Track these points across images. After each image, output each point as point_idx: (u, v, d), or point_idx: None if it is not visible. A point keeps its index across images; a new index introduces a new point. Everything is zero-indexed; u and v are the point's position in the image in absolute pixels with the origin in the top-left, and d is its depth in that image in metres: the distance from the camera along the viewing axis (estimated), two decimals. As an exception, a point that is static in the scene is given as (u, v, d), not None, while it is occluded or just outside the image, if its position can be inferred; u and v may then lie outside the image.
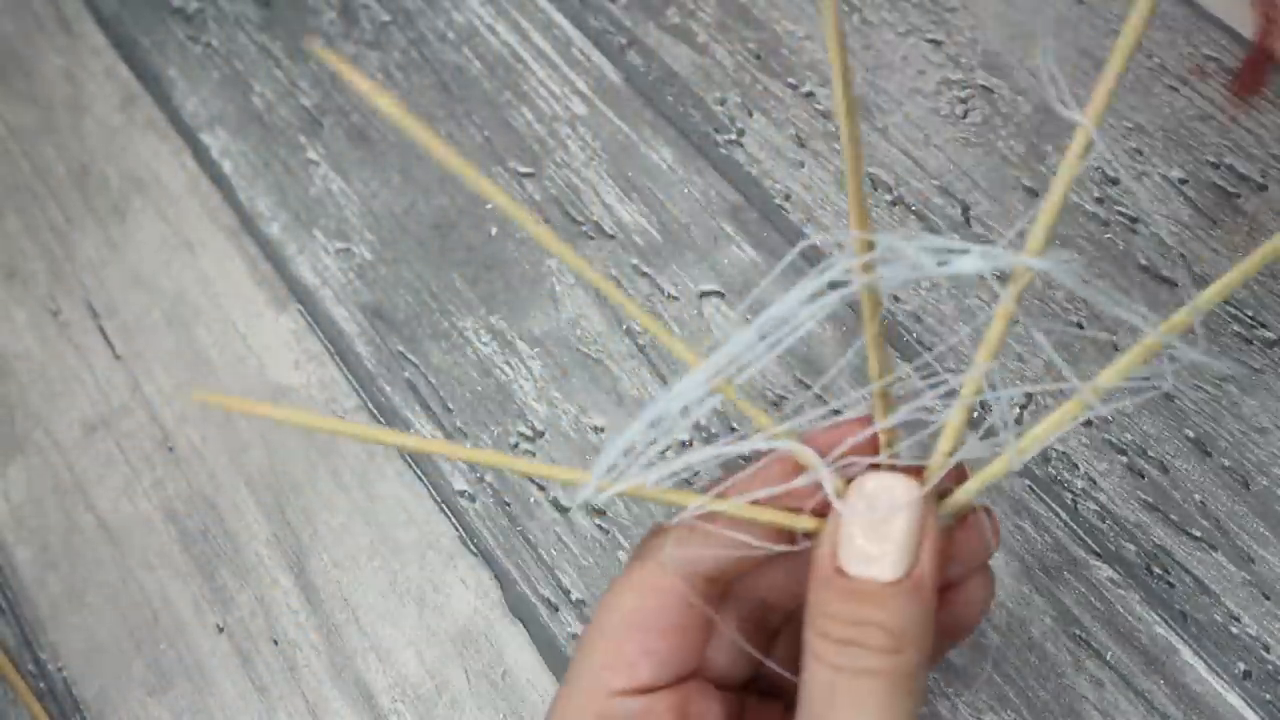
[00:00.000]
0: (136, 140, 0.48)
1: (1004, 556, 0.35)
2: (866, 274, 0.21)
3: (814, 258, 0.40)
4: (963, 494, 0.24)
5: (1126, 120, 0.40)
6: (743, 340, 0.22)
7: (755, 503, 0.24)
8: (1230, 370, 0.27)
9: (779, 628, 0.27)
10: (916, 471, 0.23)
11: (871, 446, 0.24)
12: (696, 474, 0.38)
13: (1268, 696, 0.33)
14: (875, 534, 0.22)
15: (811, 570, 0.23)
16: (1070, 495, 0.36)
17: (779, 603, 0.27)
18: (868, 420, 0.24)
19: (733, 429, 0.38)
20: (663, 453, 0.36)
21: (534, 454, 0.39)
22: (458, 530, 0.39)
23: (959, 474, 0.25)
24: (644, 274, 0.41)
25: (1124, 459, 0.36)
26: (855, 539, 0.22)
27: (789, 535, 0.23)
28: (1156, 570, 0.34)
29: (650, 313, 0.23)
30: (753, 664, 0.26)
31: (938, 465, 0.24)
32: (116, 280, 0.45)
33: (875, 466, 0.23)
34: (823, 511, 0.23)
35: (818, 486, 0.23)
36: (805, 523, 0.23)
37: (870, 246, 0.21)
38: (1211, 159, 0.39)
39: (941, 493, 0.24)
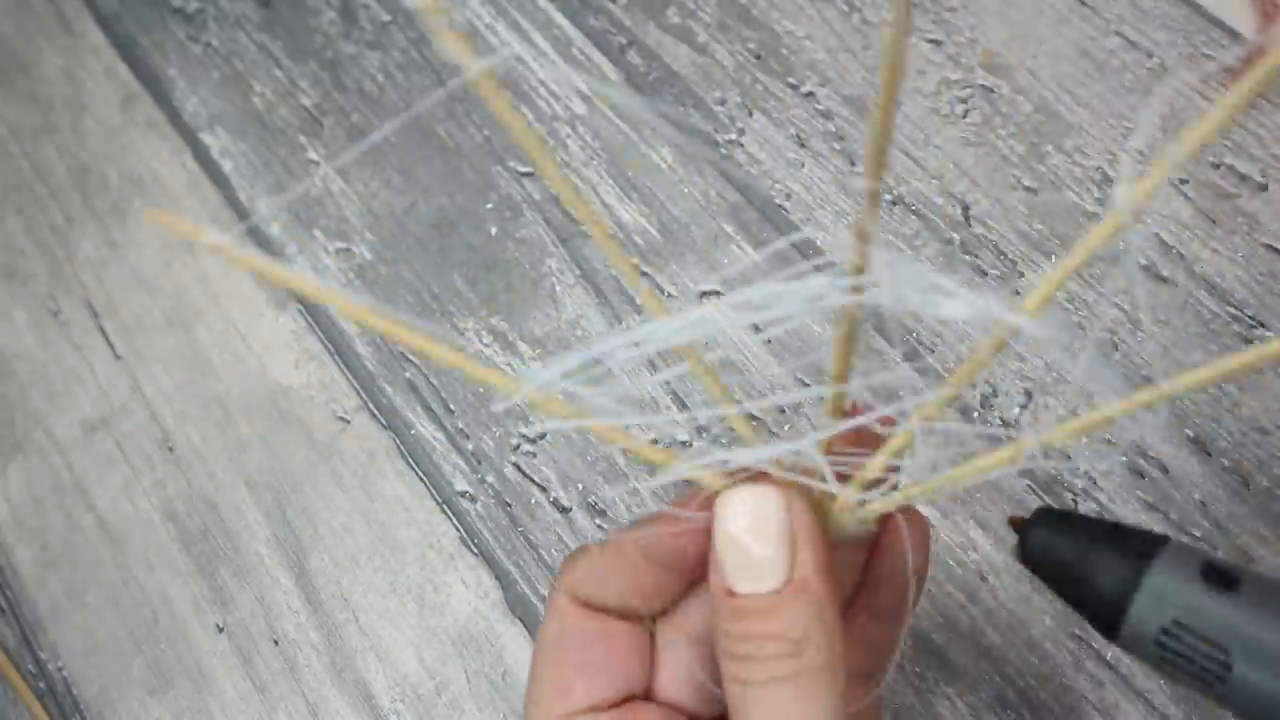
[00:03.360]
0: (136, 140, 0.48)
1: (1005, 557, 0.35)
2: (853, 294, 0.21)
3: (805, 249, 0.40)
4: (879, 504, 0.24)
5: (1126, 120, 0.40)
6: (719, 313, 0.22)
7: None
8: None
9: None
10: (791, 484, 0.23)
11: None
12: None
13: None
14: (750, 547, 0.22)
15: (712, 596, 0.23)
16: (1070, 495, 0.36)
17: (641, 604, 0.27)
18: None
19: (733, 429, 0.38)
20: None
21: (535, 455, 0.39)
22: (458, 530, 0.39)
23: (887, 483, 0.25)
24: (644, 274, 0.41)
25: (1124, 459, 0.36)
26: (732, 557, 0.22)
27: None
28: (1156, 570, 0.34)
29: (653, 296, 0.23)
30: (718, 700, 0.26)
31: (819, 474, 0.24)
32: (116, 280, 0.45)
33: (761, 478, 0.23)
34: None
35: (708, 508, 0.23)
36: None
37: (863, 267, 0.21)
38: (1211, 159, 0.39)
39: (863, 500, 0.24)
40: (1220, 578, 0.23)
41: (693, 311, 0.22)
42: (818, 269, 0.21)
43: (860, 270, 0.21)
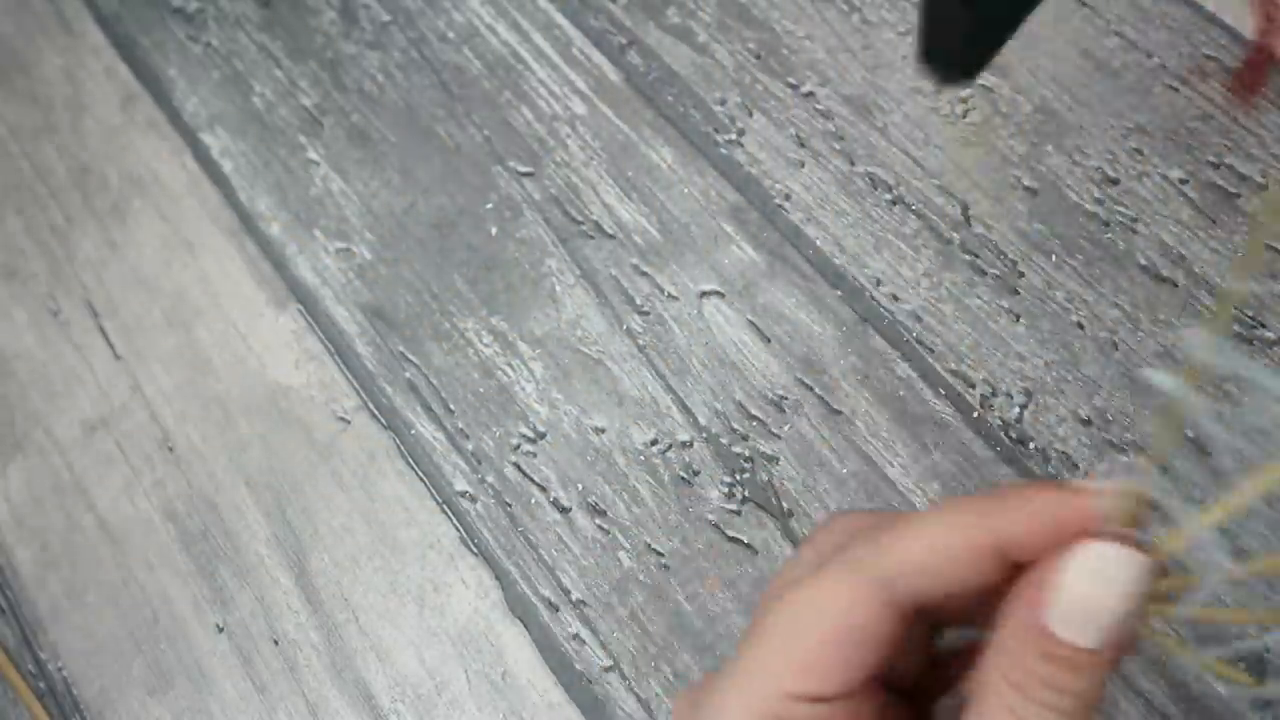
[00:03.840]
0: (136, 140, 0.48)
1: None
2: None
3: (802, 246, 0.40)
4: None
5: (1126, 120, 0.40)
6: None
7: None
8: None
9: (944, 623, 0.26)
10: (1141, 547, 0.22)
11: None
12: (695, 474, 0.38)
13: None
14: (1092, 599, 0.21)
15: (1011, 612, 0.22)
16: (1070, 495, 0.36)
17: (954, 603, 0.25)
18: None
19: (734, 429, 0.38)
20: (665, 450, 0.37)
21: (535, 455, 0.39)
22: (458, 530, 0.39)
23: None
24: (644, 273, 0.41)
25: (1124, 459, 0.36)
26: (1075, 607, 0.21)
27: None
28: (1156, 570, 0.34)
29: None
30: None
31: (1169, 548, 0.22)
32: (116, 280, 0.45)
33: (1146, 549, 0.22)
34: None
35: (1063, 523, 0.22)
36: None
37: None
38: (1211, 159, 0.39)
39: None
40: None
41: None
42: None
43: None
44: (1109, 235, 0.39)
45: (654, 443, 0.39)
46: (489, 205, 0.44)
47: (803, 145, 0.42)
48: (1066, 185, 0.40)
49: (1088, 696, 0.21)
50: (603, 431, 0.39)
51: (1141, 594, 0.21)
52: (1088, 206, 0.39)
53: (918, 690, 0.25)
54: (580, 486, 0.39)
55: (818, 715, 0.22)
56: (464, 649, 0.37)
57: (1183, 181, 0.39)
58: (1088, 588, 0.21)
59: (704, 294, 0.41)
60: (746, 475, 0.38)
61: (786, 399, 0.38)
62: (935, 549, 0.22)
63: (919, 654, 0.25)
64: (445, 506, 0.39)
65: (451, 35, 0.47)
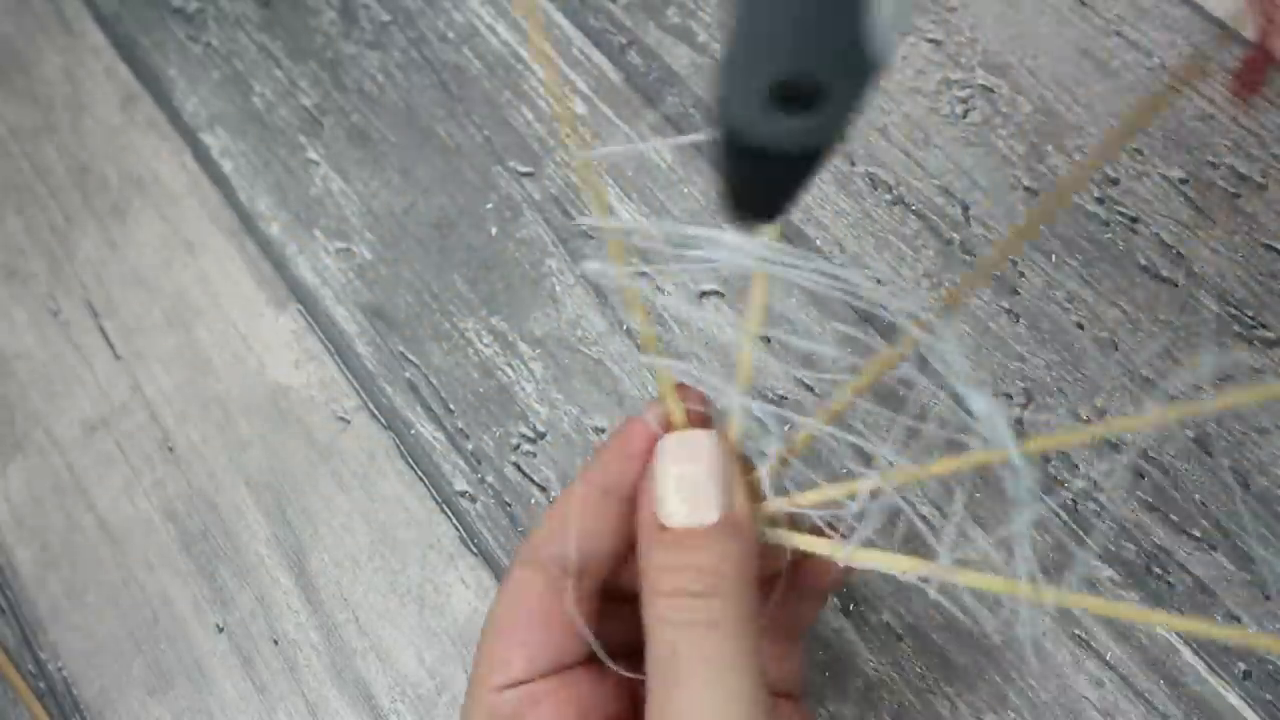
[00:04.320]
0: (136, 140, 0.48)
1: (1005, 557, 0.35)
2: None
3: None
4: (800, 542, 0.25)
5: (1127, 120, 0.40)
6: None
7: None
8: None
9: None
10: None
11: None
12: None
13: (1268, 696, 0.33)
14: (687, 486, 0.23)
15: (639, 535, 0.24)
16: (1070, 495, 0.36)
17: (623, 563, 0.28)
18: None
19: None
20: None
21: (535, 455, 0.39)
22: (458, 530, 0.39)
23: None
24: (643, 273, 0.41)
25: (1124, 459, 0.36)
26: (670, 494, 0.23)
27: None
28: (1156, 570, 0.34)
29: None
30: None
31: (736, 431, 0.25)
32: (116, 280, 0.45)
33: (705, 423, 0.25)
34: None
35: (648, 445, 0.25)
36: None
37: None
38: (1211, 159, 0.39)
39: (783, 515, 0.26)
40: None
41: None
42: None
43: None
44: (1109, 235, 0.39)
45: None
46: (489, 205, 0.44)
47: (803, 145, 0.42)
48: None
49: (723, 573, 0.22)
50: (603, 432, 0.39)
51: (720, 466, 0.24)
52: (1088, 206, 0.39)
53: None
54: (580, 486, 0.39)
55: (523, 698, 0.24)
56: (464, 649, 0.37)
57: (1183, 181, 0.39)
58: (673, 469, 0.24)
59: (704, 294, 0.41)
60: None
61: (787, 399, 0.38)
62: (566, 522, 0.25)
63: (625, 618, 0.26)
64: (445, 506, 0.39)
65: (451, 35, 0.47)
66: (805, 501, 0.25)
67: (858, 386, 0.25)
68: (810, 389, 0.38)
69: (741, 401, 0.25)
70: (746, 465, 0.26)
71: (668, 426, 0.25)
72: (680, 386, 0.26)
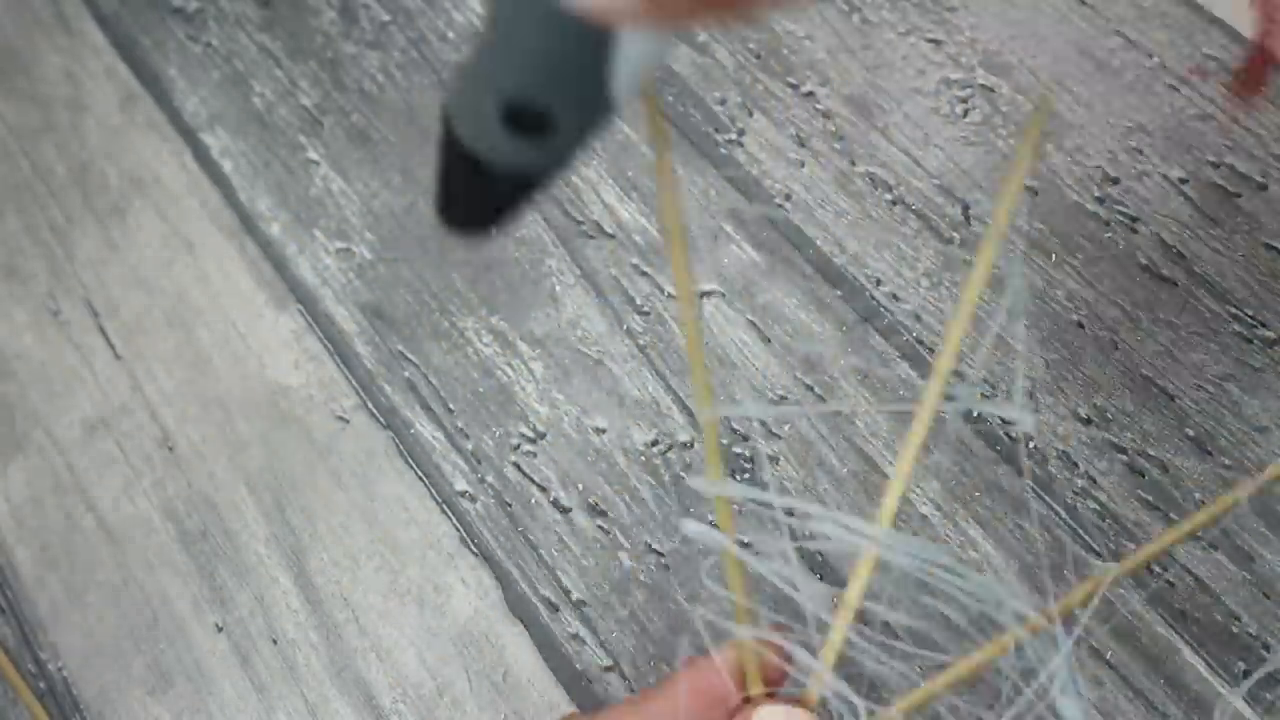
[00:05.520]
0: (136, 140, 0.48)
1: (1004, 556, 0.35)
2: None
3: (801, 244, 0.40)
4: None
5: (1127, 120, 0.40)
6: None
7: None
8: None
9: None
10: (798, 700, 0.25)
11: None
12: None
13: (1268, 696, 0.33)
14: None
15: None
16: (1070, 495, 0.36)
17: None
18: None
19: (734, 429, 0.38)
20: (666, 450, 0.37)
21: (535, 455, 0.39)
22: (458, 530, 0.39)
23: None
24: (644, 273, 0.41)
25: (1124, 458, 0.36)
26: None
27: None
28: (1156, 570, 0.34)
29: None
30: None
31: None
32: (116, 280, 0.45)
33: (770, 696, 0.25)
34: None
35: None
36: None
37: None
38: (1211, 159, 0.39)
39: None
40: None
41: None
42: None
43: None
44: (1109, 235, 0.39)
45: (654, 443, 0.39)
46: (489, 205, 0.43)
47: (803, 145, 0.42)
48: (1066, 185, 0.40)
49: None
50: (603, 431, 0.39)
51: None
52: (1088, 206, 0.39)
53: None
54: (580, 486, 0.39)
55: None
56: (464, 649, 0.37)
57: (1183, 181, 0.39)
58: None
59: (704, 294, 0.41)
60: (747, 476, 0.38)
61: (787, 399, 0.38)
62: None
63: None
64: (445, 506, 0.39)
65: (451, 35, 0.47)
66: None
67: (948, 679, 0.26)
68: (810, 388, 0.38)
69: (830, 681, 0.25)
70: None
71: (740, 681, 0.25)
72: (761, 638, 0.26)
